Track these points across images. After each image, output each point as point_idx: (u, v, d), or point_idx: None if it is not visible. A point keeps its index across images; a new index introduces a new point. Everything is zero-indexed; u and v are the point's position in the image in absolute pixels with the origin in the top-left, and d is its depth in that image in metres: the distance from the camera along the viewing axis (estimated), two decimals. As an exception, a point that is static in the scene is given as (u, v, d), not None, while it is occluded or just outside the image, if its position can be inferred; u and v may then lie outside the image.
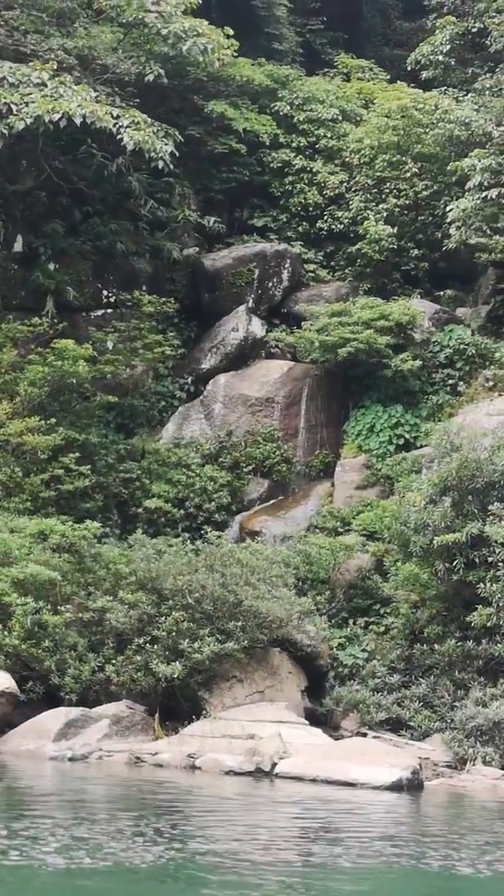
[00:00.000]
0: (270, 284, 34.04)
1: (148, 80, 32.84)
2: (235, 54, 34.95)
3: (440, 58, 38.17)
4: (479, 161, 32.16)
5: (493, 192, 31.76)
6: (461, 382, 31.45)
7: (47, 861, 11.82)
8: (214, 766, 21.00)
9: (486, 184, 32.00)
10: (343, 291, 34.59)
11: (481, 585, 23.27)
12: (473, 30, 38.19)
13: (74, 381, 29.44)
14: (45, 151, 31.60)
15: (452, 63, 38.18)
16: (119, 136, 30.51)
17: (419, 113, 35.05)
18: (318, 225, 35.96)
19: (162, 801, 17.85)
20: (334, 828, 16.08)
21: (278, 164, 36.22)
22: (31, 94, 29.96)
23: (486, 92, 35.99)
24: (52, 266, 32.50)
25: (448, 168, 33.85)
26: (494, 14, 37.27)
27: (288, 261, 34.40)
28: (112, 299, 33.45)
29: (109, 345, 31.76)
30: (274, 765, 20.83)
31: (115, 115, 30.49)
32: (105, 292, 33.48)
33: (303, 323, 32.73)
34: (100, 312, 33.18)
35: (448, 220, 32.68)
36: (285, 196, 36.28)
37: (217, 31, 33.56)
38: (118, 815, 15.82)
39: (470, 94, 36.13)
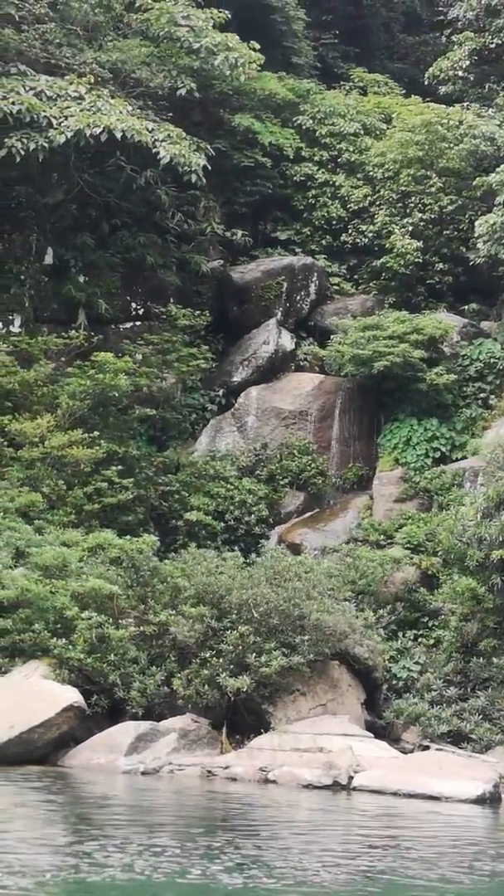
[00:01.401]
0: (298, 298, 34.27)
1: (180, 93, 32.96)
2: (259, 68, 35.12)
3: (459, 73, 38.48)
4: (508, 177, 32.51)
5: (522, 208, 32.14)
6: (492, 396, 31.78)
7: (223, 880, 11.90)
8: (291, 780, 21.10)
9: (514, 199, 32.37)
10: (368, 305, 34.84)
11: (544, 600, 23.53)
12: (492, 45, 38.55)
13: (116, 394, 29.48)
14: (75, 164, 31.70)
15: (472, 78, 38.50)
16: (155, 150, 30.65)
17: (443, 128, 35.29)
18: (342, 238, 36.22)
19: (279, 819, 17.88)
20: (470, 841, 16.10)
21: (301, 178, 36.48)
22: (69, 107, 30.07)
23: (507, 108, 36.43)
24: (81, 279, 32.57)
25: (474, 183, 34.14)
26: (513, 30, 37.69)
27: (315, 274, 34.63)
28: (140, 312, 33.55)
29: (139, 357, 31.80)
30: (350, 778, 20.98)
31: (149, 129, 30.64)
32: (133, 304, 33.57)
33: (332, 336, 32.93)
34: (129, 325, 33.26)
35: (476, 235, 32.96)
36: (308, 209, 36.54)
37: (243, 46, 33.74)
38: (259, 832, 15.81)
39: (491, 110, 36.46)
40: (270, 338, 33.22)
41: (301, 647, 23.14)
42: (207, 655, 23.07)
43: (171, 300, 33.51)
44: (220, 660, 22.98)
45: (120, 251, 33.36)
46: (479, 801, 19.90)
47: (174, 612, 23.87)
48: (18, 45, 31.57)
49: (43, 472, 28.18)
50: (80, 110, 29.90)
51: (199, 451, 31.71)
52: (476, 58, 38.77)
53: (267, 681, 22.95)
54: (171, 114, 32.65)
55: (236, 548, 28.56)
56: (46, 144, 29.58)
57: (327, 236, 36.35)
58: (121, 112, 30.31)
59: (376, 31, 46.97)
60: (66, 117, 29.79)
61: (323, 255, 35.88)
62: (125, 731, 22.47)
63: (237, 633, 23.07)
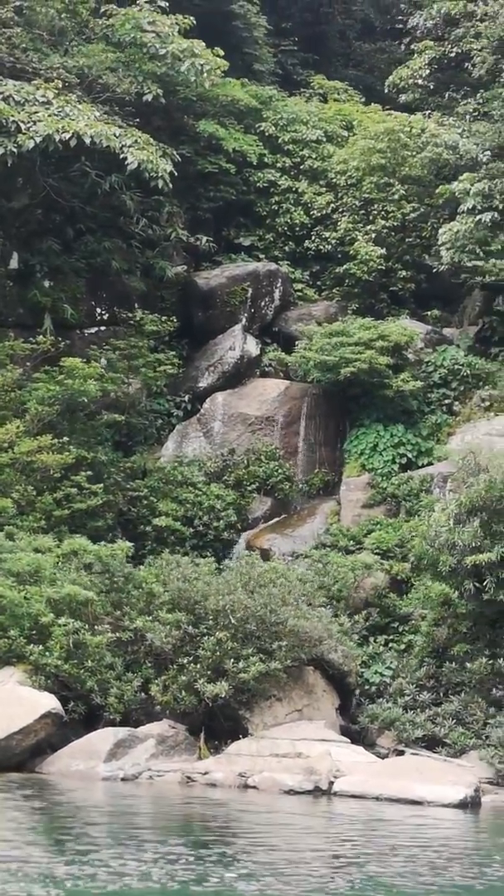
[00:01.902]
0: (263, 303, 34.39)
1: (146, 99, 33.01)
2: (223, 75, 35.21)
3: (419, 82, 38.77)
4: (472, 185, 32.79)
5: (487, 217, 32.44)
6: (456, 402, 32.03)
7: (238, 887, 11.98)
8: (273, 786, 21.21)
9: (479, 208, 32.66)
10: (332, 311, 35.05)
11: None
12: (451, 54, 38.86)
13: (85, 400, 29.47)
14: (40, 169, 31.67)
15: (431, 87, 38.80)
16: (122, 156, 30.68)
17: (405, 136, 35.54)
18: (305, 245, 36.38)
19: (275, 824, 17.99)
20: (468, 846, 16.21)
21: (264, 184, 36.64)
22: (37, 112, 30.06)
23: (468, 116, 36.72)
24: (47, 283, 32.52)
25: (437, 191, 34.43)
26: (473, 39, 37.96)
27: (279, 280, 34.78)
28: (105, 317, 33.55)
29: (103, 362, 31.77)
30: (331, 783, 21.12)
31: (116, 135, 30.67)
32: (98, 310, 33.57)
33: (297, 342, 33.07)
34: (94, 330, 33.26)
35: (439, 243, 33.24)
36: (271, 216, 36.69)
37: (209, 52, 33.84)
38: (261, 839, 15.87)
39: (451, 119, 36.75)
40: (236, 343, 33.32)
41: (278, 652, 23.25)
42: (185, 661, 23.13)
43: (136, 305, 33.53)
44: (198, 666, 23.05)
45: (85, 256, 33.35)
46: (462, 805, 20.10)
47: (150, 618, 23.90)
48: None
49: (12, 478, 28.14)
50: (49, 115, 29.91)
51: (166, 456, 31.75)
52: (436, 67, 39.03)
53: (244, 686, 23.04)
54: (137, 119, 32.60)
55: (207, 553, 28.73)
56: (15, 149, 29.55)
57: (290, 242, 36.52)
58: (89, 117, 30.33)
59: (333, 39, 47.19)
60: (34, 122, 29.76)
61: (286, 262, 36.05)
62: (104, 737, 22.49)
63: (215, 638, 23.15)
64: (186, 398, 33.02)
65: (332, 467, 31.85)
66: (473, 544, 24.57)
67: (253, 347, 33.68)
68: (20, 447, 28.23)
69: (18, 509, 27.71)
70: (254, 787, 21.40)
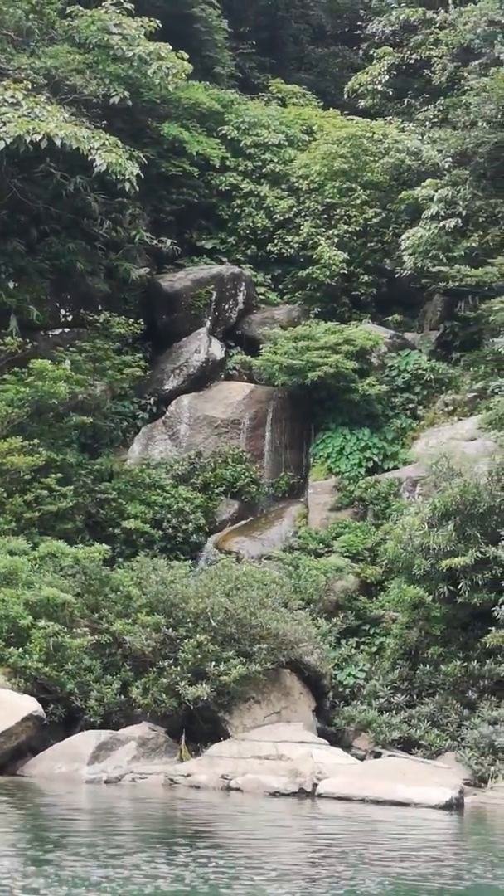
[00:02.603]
0: (227, 307, 34.51)
1: (113, 101, 33.01)
2: (186, 78, 35.28)
3: (378, 87, 39.08)
4: (436, 192, 33.14)
5: (451, 223, 32.80)
6: (420, 406, 32.36)
7: (268, 891, 12.11)
8: (257, 788, 21.37)
9: (442, 214, 33.01)
10: (294, 315, 35.23)
11: (496, 608, 24.05)
12: (410, 60, 39.21)
13: (55, 402, 29.45)
14: (5, 170, 31.58)
15: (390, 93, 39.12)
16: (91, 158, 30.67)
17: (368, 142, 35.80)
18: (267, 248, 36.53)
19: (277, 826, 18.14)
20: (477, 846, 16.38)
21: (226, 188, 36.73)
22: (6, 113, 29.95)
23: (427, 122, 37.09)
24: (11, 284, 32.41)
25: (399, 196, 34.75)
26: (432, 46, 38.35)
27: (243, 283, 34.92)
28: (70, 318, 33.50)
29: (67, 364, 31.72)
30: (315, 785, 21.30)
31: (86, 137, 30.66)
32: (63, 311, 33.51)
33: (261, 345, 33.21)
34: (58, 331, 33.19)
35: (402, 248, 33.56)
36: (233, 219, 36.80)
37: (173, 55, 33.90)
38: (271, 842, 15.99)
39: (411, 125, 37.10)
40: (201, 346, 33.43)
41: (258, 655, 23.41)
42: (165, 664, 23.22)
43: (100, 307, 33.51)
44: (178, 668, 23.17)
45: (49, 257, 33.25)
46: (447, 807, 20.35)
47: (129, 621, 23.95)
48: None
49: (-19, 480, 28.08)
50: (19, 116, 29.82)
51: (133, 458, 31.80)
52: (395, 73, 39.36)
53: (225, 689, 23.19)
54: (104, 122, 32.60)
55: (175, 555, 28.86)
56: (-16, 150, 29.44)
57: (252, 246, 36.66)
58: (58, 119, 30.29)
59: (288, 43, 47.39)
60: (3, 123, 29.67)
61: (248, 265, 36.18)
62: (86, 740, 22.53)
63: (195, 641, 23.26)
64: (151, 401, 33.06)
65: (298, 470, 32.06)
66: (448, 548, 24.88)
67: (218, 350, 33.80)
68: (-11, 449, 28.15)
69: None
70: (237, 790, 21.54)
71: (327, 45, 48.96)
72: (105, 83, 33.15)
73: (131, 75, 33.82)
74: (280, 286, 36.60)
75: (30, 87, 30.89)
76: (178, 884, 12.10)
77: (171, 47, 33.62)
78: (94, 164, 30.70)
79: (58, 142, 29.65)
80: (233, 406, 32.53)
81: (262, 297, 35.90)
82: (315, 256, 35.15)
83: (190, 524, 30.11)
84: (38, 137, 29.47)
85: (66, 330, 33.35)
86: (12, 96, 30.47)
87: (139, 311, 34.34)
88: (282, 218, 36.65)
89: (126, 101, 33.17)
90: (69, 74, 32.72)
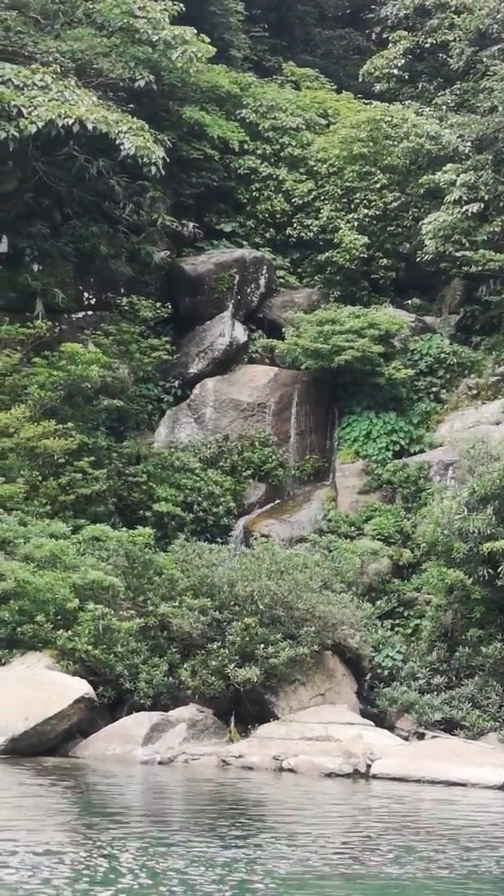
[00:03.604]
0: (249, 290, 34.67)
1: (138, 85, 33.06)
2: (206, 61, 35.35)
3: (394, 71, 39.22)
4: (458, 176, 33.35)
5: (473, 207, 33.02)
6: (443, 390, 32.62)
7: (390, 872, 12.37)
8: (312, 769, 21.60)
9: (464, 198, 33.24)
10: (314, 298, 35.45)
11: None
12: (425, 44, 39.37)
13: (88, 385, 29.60)
14: (31, 153, 31.62)
15: (406, 77, 39.27)
16: (119, 142, 30.72)
17: (387, 126, 35.96)
18: (286, 232, 36.65)
19: (359, 807, 18.37)
20: None
21: (245, 171, 36.82)
22: (37, 97, 29.96)
23: (444, 107, 37.26)
24: (36, 267, 32.51)
25: (420, 181, 34.94)
26: (447, 31, 38.50)
27: (265, 267, 35.09)
28: (92, 301, 33.61)
29: (91, 347, 31.87)
30: (368, 766, 21.58)
31: (115, 121, 30.73)
32: (86, 294, 33.60)
33: (284, 329, 33.42)
34: (80, 315, 33.29)
35: (423, 233, 33.76)
36: (252, 202, 36.91)
37: (197, 39, 33.96)
38: (362, 824, 16.19)
39: (428, 109, 37.24)
40: (226, 330, 33.60)
41: (305, 637, 23.66)
42: (214, 646, 23.44)
43: (122, 290, 33.64)
44: (226, 650, 23.38)
45: (72, 241, 33.33)
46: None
47: (176, 603, 24.15)
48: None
49: (16, 463, 28.20)
50: (49, 100, 29.84)
51: (160, 441, 31.98)
52: (410, 56, 39.50)
53: (274, 671, 23.42)
54: (131, 105, 32.66)
55: (207, 538, 29.13)
56: (17, 134, 29.48)
57: (271, 229, 36.79)
58: (86, 103, 30.33)
59: (296, 25, 47.40)
60: (35, 107, 29.69)
61: (267, 248, 36.29)
62: (140, 721, 22.76)
63: (242, 623, 23.48)
64: (176, 384, 33.18)
65: (323, 453, 32.33)
66: (487, 531, 25.15)
67: (241, 334, 33.98)
68: (24, 432, 28.28)
69: (24, 494, 27.79)
70: (290, 770, 21.76)
71: (332, 27, 48.98)
72: (130, 67, 33.17)
73: (154, 59, 33.86)
74: (299, 270, 36.74)
75: (59, 70, 30.89)
76: (291, 865, 12.36)
77: (195, 31, 33.60)
78: (120, 148, 30.73)
79: (89, 126, 29.69)
80: (258, 389, 32.74)
81: (281, 280, 36.06)
82: (336, 240, 35.31)
83: (220, 507, 30.32)
84: (70, 121, 29.50)
85: (90, 313, 33.45)
86: (41, 80, 30.46)
87: (159, 294, 34.46)
88: (301, 201, 36.77)
89: (151, 85, 33.19)
90: (95, 58, 32.74)
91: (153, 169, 31.38)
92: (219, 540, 29.58)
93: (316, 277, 36.16)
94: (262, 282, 34.97)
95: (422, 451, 31.16)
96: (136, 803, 17.39)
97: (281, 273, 36.16)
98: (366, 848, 13.72)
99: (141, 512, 29.74)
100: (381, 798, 19.60)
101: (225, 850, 12.94)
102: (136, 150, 30.80)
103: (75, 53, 32.52)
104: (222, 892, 10.98)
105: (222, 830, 14.54)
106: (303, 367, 32.30)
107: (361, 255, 35.26)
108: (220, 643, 23.52)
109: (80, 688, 22.66)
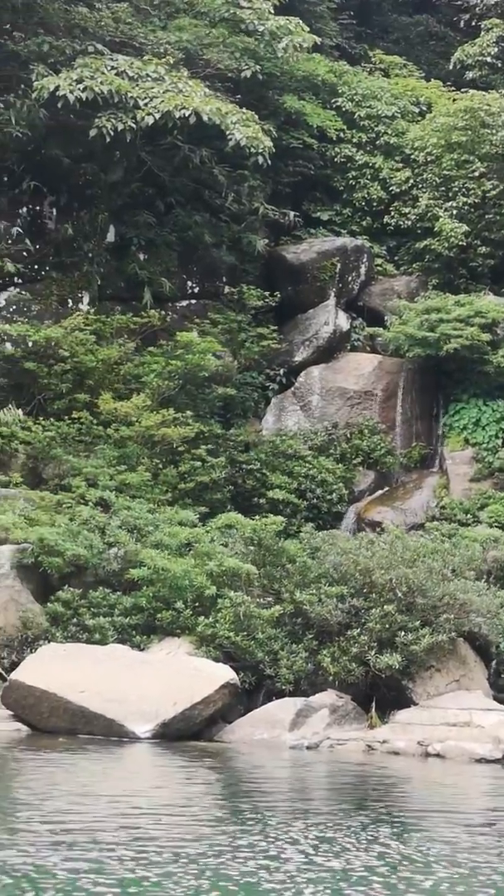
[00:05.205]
0: (350, 278, 34.94)
1: (245, 75, 33.32)
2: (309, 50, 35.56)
3: (487, 59, 39.36)
4: None
5: None
6: (549, 379, 32.82)
7: None
8: (460, 754, 21.90)
9: None
10: (413, 286, 35.69)
11: None
12: (516, 32, 39.50)
13: (206, 374, 29.94)
14: (136, 143, 31.92)
15: (499, 65, 39.42)
16: (229, 133, 30.97)
17: (485, 115, 36.12)
18: (383, 220, 36.87)
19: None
20: None
21: (342, 159, 37.04)
22: (151, 88, 30.23)
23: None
24: (142, 256, 32.86)
25: (519, 169, 35.17)
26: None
27: (365, 255, 35.34)
28: (196, 290, 33.94)
29: (195, 335, 32.16)
30: (517, 752, 21.89)
31: (226, 112, 31.00)
32: (189, 283, 33.95)
33: (386, 317, 33.70)
34: (185, 303, 33.65)
35: (525, 221, 33.98)
36: (348, 190, 37.15)
37: (300, 29, 34.15)
38: None
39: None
40: (330, 318, 33.88)
41: (444, 624, 23.94)
42: (354, 633, 23.75)
43: (224, 279, 33.98)
44: (366, 637, 23.68)
45: (176, 230, 33.65)
46: None
47: (314, 591, 24.44)
48: (90, 24, 31.63)
49: (137, 451, 28.58)
50: (164, 91, 30.11)
51: (268, 429, 32.28)
52: (503, 45, 39.64)
53: (413, 658, 23.73)
54: (238, 95, 32.92)
55: (320, 525, 29.37)
56: (134, 125, 29.77)
57: (368, 217, 37.02)
58: (200, 94, 30.60)
59: (372, 12, 47.45)
60: (150, 98, 29.97)
61: (364, 236, 36.52)
62: (284, 707, 23.09)
63: (382, 611, 23.78)
64: (281, 372, 33.48)
65: (428, 441, 32.62)
66: None
67: (344, 322, 34.26)
68: (145, 421, 28.65)
69: (148, 483, 28.19)
70: (437, 756, 22.06)
71: (408, 13, 49.01)
72: (235, 57, 33.43)
73: (257, 49, 34.09)
74: (395, 258, 36.97)
75: (171, 62, 31.16)
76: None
77: (299, 21, 33.81)
78: (229, 138, 30.98)
79: (204, 117, 29.96)
80: (364, 377, 33.01)
81: (379, 268, 36.28)
82: (436, 229, 35.50)
83: (334, 494, 30.62)
84: (187, 113, 29.77)
85: (193, 302, 33.82)
86: (154, 71, 30.75)
87: (259, 282, 34.74)
88: (398, 190, 36.98)
89: (258, 76, 33.46)
90: (202, 48, 33.00)
91: (260, 159, 31.61)
92: (329, 527, 29.86)
93: (414, 265, 36.36)
94: (363, 270, 35.23)
95: (534, 439, 31.37)
96: (330, 788, 17.65)
97: (379, 261, 36.40)
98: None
99: (255, 499, 30.06)
100: None
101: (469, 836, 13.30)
102: (247, 140, 31.04)
103: (182, 44, 32.76)
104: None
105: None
106: (411, 355, 32.52)
107: (460, 243, 35.43)
108: (358, 630, 23.80)
109: (225, 674, 23.02)
